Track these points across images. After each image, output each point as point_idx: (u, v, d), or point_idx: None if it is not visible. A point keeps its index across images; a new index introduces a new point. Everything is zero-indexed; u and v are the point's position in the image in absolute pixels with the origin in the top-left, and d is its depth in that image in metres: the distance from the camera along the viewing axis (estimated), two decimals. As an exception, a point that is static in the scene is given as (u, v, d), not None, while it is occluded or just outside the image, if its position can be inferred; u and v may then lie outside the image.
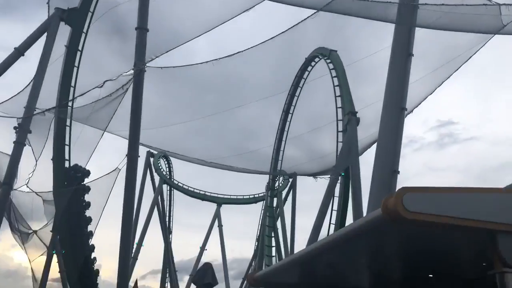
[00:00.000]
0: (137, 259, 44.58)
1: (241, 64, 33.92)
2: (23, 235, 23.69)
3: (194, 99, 35.83)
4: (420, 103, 25.25)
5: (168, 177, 54.97)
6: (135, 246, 45.51)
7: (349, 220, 28.79)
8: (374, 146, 30.03)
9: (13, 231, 22.81)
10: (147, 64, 20.22)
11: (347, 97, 29.66)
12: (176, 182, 54.78)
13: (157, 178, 51.54)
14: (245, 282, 56.63)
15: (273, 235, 40.16)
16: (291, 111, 41.43)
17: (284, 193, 46.58)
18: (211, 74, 30.94)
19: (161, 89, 32.14)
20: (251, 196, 55.02)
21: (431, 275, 3.69)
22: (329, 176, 26.88)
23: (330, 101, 35.75)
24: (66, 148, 28.07)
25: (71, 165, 25.95)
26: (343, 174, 28.00)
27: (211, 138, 37.74)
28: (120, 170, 22.70)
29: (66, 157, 28.13)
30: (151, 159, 50.44)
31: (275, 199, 44.53)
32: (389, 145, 9.06)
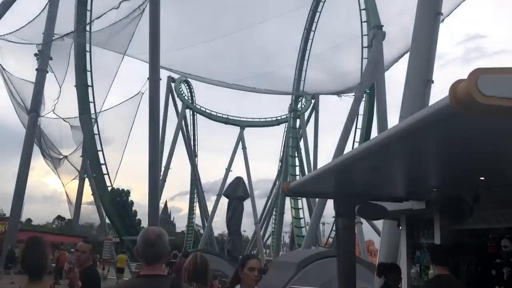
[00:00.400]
0: (165, 181, 45.92)
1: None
2: (55, 161, 24.45)
3: (212, 20, 34.60)
4: (453, 11, 23.84)
5: (190, 102, 55.08)
6: (163, 169, 46.86)
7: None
8: (400, 61, 29.10)
9: (44, 157, 23.51)
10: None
11: (373, 10, 28.22)
12: (199, 107, 54.90)
13: (179, 104, 51.74)
14: (270, 201, 58.37)
15: (296, 155, 40.51)
16: (313, 28, 40.04)
17: (306, 114, 46.48)
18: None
19: (177, 11, 31.15)
20: (273, 119, 54.94)
21: (482, 178, 3.51)
22: (353, 93, 26.26)
23: (353, 18, 34.26)
24: (88, 74, 28.16)
25: (111, 189, 27.16)
26: (368, 91, 27.38)
27: (231, 61, 36.92)
28: (143, 94, 22.66)
29: (89, 83, 28.29)
30: (172, 84, 50.29)
31: (298, 121, 44.42)
32: (423, 52, 8.51)
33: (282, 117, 55.52)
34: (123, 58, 23.12)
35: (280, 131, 55.62)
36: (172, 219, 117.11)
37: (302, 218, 37.29)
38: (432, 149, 2.74)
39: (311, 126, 46.53)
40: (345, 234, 4.32)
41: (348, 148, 28.17)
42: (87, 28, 23.46)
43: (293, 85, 39.26)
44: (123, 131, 26.39)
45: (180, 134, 50.82)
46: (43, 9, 21.70)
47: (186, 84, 55.91)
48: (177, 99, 51.48)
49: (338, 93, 29.92)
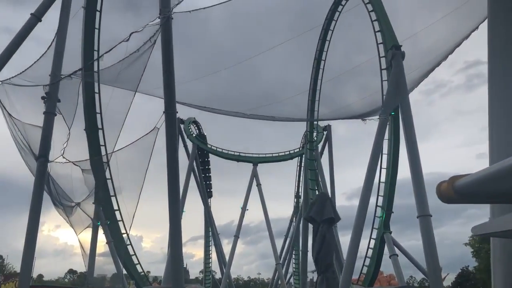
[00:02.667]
0: (179, 225, 43.79)
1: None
2: (67, 209, 22.92)
3: (213, 57, 33.21)
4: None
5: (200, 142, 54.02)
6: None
7: (403, 161, 26.93)
8: (422, 83, 27.76)
9: (56, 205, 21.96)
10: (173, 10, 18.35)
11: (388, 30, 27.18)
12: (210, 146, 53.70)
13: (189, 145, 50.63)
14: (289, 239, 55.98)
15: (316, 188, 38.64)
16: (323, 58, 39.17)
17: (319, 146, 45.18)
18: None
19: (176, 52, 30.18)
20: (286, 153, 53.55)
21: None
22: (378, 117, 24.83)
23: (365, 43, 33.28)
24: (98, 116, 27.01)
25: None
26: (392, 113, 25.97)
27: (237, 96, 35.26)
28: (158, 129, 21.32)
29: (99, 125, 27.09)
30: (181, 126, 49.39)
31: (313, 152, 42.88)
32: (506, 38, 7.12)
33: (295, 150, 54.23)
34: (135, 95, 21.91)
35: (291, 166, 54.38)
36: (185, 266, 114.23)
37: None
38: None
39: (325, 157, 45.35)
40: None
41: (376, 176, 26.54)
42: (96, 65, 22.46)
43: (307, 115, 37.96)
44: (138, 174, 24.92)
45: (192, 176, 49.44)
46: (48, 49, 20.77)
47: (195, 125, 55.16)
48: (186, 140, 50.47)
49: (358, 117, 28.43)
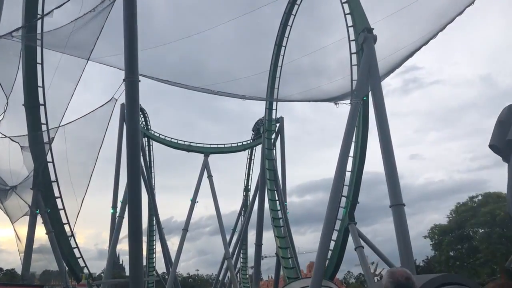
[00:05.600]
0: (123, 217, 40.66)
1: None
2: (1, 192, 19.59)
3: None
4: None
5: (146, 129, 50.89)
6: (119, 204, 41.83)
7: (373, 149, 25.81)
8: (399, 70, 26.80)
9: (-13, 188, 18.64)
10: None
11: (359, 12, 26.07)
12: (157, 135, 50.61)
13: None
14: (238, 233, 54.19)
15: (274, 178, 36.97)
16: (283, 44, 37.69)
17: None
18: None
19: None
20: (239, 144, 51.61)
21: None
22: (349, 101, 23.55)
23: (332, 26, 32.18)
24: (40, 90, 23.74)
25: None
26: (365, 98, 24.81)
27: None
28: (116, 100, 18.65)
29: (41, 101, 23.83)
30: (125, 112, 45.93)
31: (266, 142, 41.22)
32: None
33: (248, 142, 52.50)
34: (86, 65, 19.08)
35: (240, 158, 52.40)
36: (121, 262, 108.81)
37: (288, 247, 33.48)
38: None
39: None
40: None
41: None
42: (40, 27, 19.30)
43: (267, 91, 36.23)
44: (88, 155, 21.91)
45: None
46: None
47: (140, 111, 51.91)
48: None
49: (330, 101, 26.90)
